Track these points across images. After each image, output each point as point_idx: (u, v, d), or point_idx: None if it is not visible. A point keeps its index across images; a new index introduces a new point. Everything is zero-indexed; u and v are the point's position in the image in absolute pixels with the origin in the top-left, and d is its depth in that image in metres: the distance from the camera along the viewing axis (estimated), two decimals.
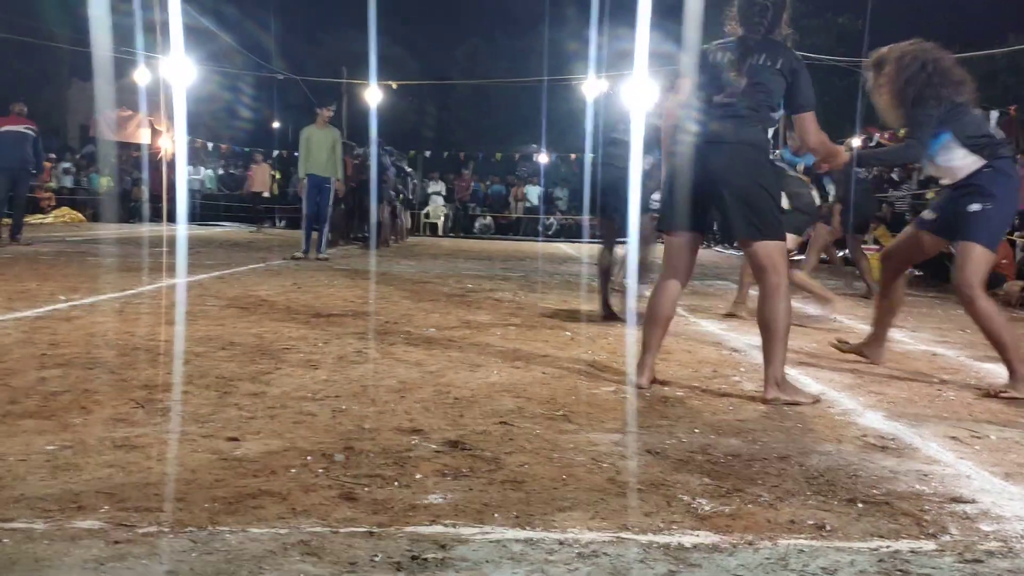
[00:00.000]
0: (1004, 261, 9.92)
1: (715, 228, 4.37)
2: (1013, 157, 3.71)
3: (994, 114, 13.94)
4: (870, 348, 4.16)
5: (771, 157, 3.23)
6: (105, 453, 2.21)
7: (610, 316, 5.44)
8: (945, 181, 3.78)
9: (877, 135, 15.30)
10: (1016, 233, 11.33)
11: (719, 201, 3.25)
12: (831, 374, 3.89)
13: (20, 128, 10.58)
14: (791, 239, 5.77)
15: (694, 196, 3.27)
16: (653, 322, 3.41)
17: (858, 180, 7.25)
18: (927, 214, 3.89)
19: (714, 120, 3.25)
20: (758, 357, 4.28)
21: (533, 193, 24.12)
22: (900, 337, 5.28)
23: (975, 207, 3.56)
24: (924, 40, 3.81)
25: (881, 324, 4.13)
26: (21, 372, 3.14)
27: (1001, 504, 2.12)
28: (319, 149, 10.16)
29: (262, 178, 17.64)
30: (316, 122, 10.34)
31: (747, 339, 4.92)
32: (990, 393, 3.53)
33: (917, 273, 10.62)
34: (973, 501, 2.13)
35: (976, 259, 3.55)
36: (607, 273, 5.53)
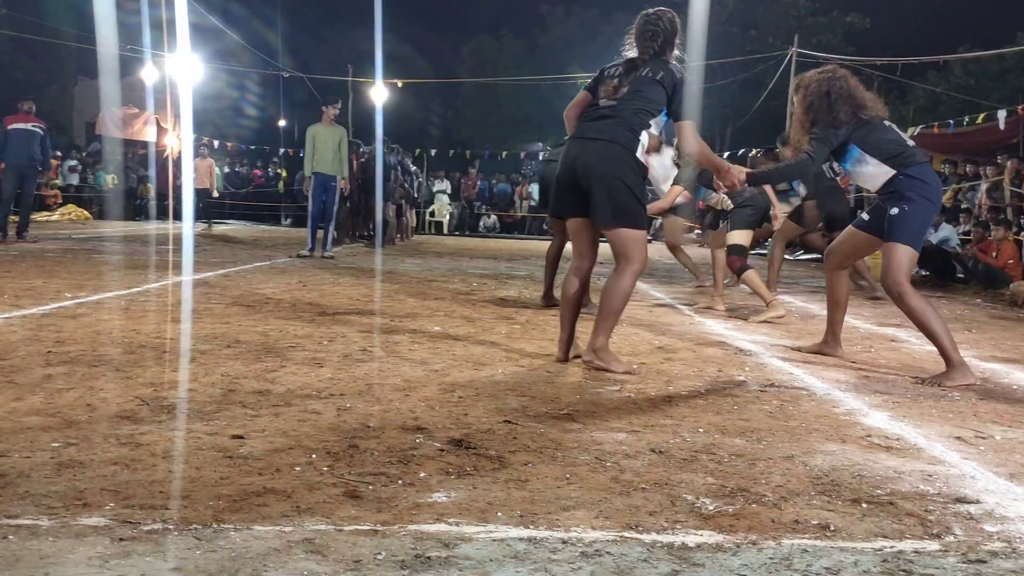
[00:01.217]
0: (1011, 261, 9.88)
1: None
2: (928, 162, 4.01)
3: (1002, 113, 13.89)
4: (828, 346, 4.42)
5: (640, 156, 3.63)
6: (110, 450, 2.22)
7: (551, 303, 6.05)
8: (869, 189, 4.13)
9: None
10: (1023, 233, 11.28)
11: (588, 189, 3.61)
12: (836, 373, 3.89)
13: (29, 126, 10.59)
14: (744, 234, 6.04)
15: (573, 185, 3.67)
16: (565, 304, 3.83)
17: (828, 179, 7.38)
18: (864, 215, 4.21)
19: (593, 120, 3.68)
20: (764, 356, 4.29)
21: (538, 192, 24.04)
22: (905, 337, 5.27)
23: (894, 210, 3.88)
24: (838, 67, 4.22)
25: (832, 321, 4.39)
26: (27, 369, 3.15)
27: (1005, 505, 2.12)
28: (325, 147, 10.15)
29: (204, 173, 17.35)
30: (322, 120, 10.33)
31: (752, 338, 4.92)
32: (929, 383, 3.71)
33: (923, 273, 10.58)
34: (977, 501, 2.13)
35: (899, 257, 3.86)
36: (554, 265, 6.20)
